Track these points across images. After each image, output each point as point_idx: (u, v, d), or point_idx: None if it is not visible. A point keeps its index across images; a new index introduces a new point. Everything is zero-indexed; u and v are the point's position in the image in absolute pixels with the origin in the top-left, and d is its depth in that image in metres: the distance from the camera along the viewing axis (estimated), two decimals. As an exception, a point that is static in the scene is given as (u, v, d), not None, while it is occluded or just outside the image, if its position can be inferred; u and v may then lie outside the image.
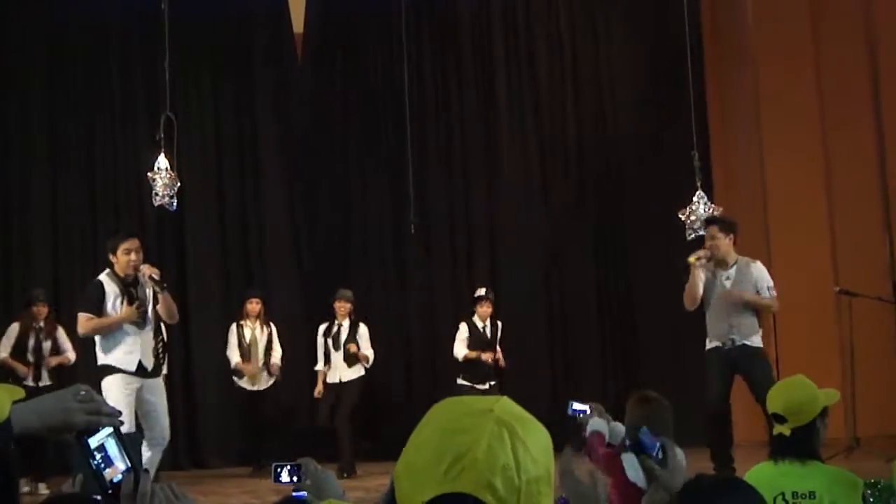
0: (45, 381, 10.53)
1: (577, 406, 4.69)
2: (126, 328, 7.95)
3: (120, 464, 2.13)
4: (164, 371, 10.31)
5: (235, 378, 11.26)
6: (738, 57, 13.01)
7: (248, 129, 13.14)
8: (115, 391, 7.75)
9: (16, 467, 2.10)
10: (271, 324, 11.48)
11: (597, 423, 5.34)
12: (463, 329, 11.26)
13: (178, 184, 9.05)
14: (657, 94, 13.26)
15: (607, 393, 12.81)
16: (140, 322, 7.97)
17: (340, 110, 13.32)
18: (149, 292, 8.07)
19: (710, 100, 12.89)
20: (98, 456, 2.10)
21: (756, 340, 8.57)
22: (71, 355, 10.70)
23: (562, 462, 3.13)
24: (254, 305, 11.32)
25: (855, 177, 12.17)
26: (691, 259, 8.56)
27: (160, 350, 8.27)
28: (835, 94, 12.36)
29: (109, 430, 2.11)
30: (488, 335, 11.25)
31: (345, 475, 10.30)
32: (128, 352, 7.93)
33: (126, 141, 12.56)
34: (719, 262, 8.58)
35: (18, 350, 10.49)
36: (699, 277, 8.52)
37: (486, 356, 11.11)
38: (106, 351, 7.95)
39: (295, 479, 3.97)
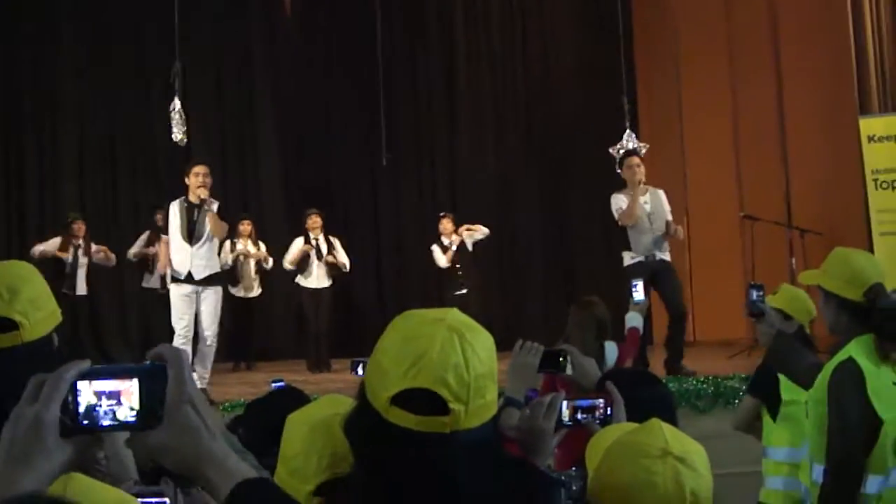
0: (82, 291, 10.46)
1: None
2: (181, 244, 8.33)
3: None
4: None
5: (230, 286, 10.93)
6: (662, 16, 12.98)
7: (245, 75, 13.00)
8: (173, 294, 8.40)
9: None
10: (261, 242, 11.35)
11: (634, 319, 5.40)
12: (435, 249, 11.01)
13: (185, 126, 8.94)
14: (593, 49, 13.20)
15: (549, 302, 12.92)
16: (190, 238, 8.29)
17: (323, 61, 13.20)
18: (208, 214, 8.34)
19: (637, 53, 12.87)
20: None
21: (668, 256, 8.64)
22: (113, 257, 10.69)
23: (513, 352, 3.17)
24: (245, 226, 11.17)
25: (757, 120, 12.23)
26: (641, 185, 8.54)
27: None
28: (742, 51, 12.40)
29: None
30: (454, 248, 11.10)
31: (320, 370, 10.45)
32: (179, 263, 8.35)
33: (140, 84, 12.38)
34: (636, 185, 8.59)
35: (59, 264, 10.27)
36: (643, 201, 8.53)
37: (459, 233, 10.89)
38: (173, 261, 8.44)
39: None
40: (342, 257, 10.84)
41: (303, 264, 10.77)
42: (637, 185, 8.53)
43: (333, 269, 10.86)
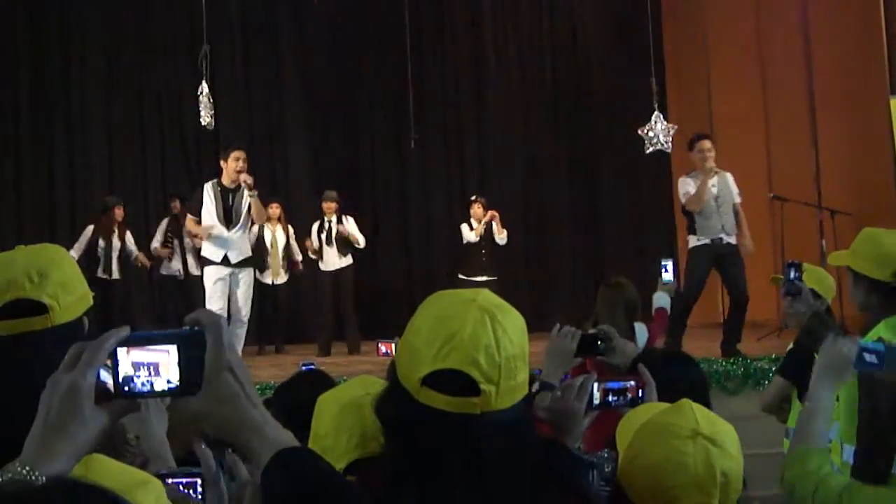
0: (116, 275, 10.53)
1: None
2: (218, 228, 8.47)
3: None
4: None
5: (258, 272, 10.64)
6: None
7: (273, 58, 13.00)
8: (208, 277, 8.58)
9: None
10: (290, 226, 11.35)
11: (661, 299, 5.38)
12: (464, 227, 11.06)
13: (213, 109, 8.95)
14: (621, 29, 13.13)
15: (576, 281, 12.88)
16: (227, 222, 8.50)
17: (350, 42, 13.16)
18: (245, 198, 8.48)
19: (665, 34, 12.77)
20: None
21: (735, 239, 8.56)
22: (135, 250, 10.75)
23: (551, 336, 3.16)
24: (274, 209, 11.08)
25: (787, 100, 12.14)
26: (712, 169, 8.50)
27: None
28: (771, 32, 12.30)
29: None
30: (483, 232, 11.03)
31: (350, 353, 10.51)
32: (216, 246, 8.54)
33: (167, 69, 12.43)
34: (709, 171, 8.54)
35: (90, 250, 10.33)
36: (710, 185, 8.49)
37: (487, 215, 10.93)
38: (206, 245, 8.64)
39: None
40: (355, 233, 10.81)
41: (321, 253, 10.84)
42: (709, 170, 8.47)
43: (348, 245, 10.82)
